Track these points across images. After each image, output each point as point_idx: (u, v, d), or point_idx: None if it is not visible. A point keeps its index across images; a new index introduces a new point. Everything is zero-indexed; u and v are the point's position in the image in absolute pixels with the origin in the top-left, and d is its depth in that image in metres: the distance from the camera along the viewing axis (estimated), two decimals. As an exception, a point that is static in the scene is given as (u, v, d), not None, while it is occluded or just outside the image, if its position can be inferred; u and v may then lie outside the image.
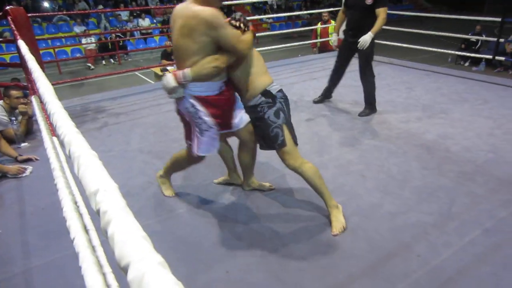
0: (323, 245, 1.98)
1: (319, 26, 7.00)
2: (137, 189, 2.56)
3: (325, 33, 6.92)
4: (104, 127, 3.73)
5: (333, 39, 4.06)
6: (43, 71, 1.58)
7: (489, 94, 4.28)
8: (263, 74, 2.08)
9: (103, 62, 11.49)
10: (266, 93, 2.05)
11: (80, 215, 1.14)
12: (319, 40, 7.09)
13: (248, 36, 1.96)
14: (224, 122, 2.05)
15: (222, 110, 2.02)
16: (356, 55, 3.74)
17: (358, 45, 3.51)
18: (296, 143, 2.14)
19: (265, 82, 2.06)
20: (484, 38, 8.29)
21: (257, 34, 8.15)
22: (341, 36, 4.01)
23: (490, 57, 5.47)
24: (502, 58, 5.96)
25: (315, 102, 4.19)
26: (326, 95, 4.21)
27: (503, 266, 1.80)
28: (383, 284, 1.72)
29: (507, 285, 1.69)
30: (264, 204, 2.36)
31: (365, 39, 3.47)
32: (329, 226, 2.11)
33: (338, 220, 2.10)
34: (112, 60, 11.51)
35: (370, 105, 3.82)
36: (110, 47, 11.34)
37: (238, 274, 1.81)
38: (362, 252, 1.92)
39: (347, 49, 3.83)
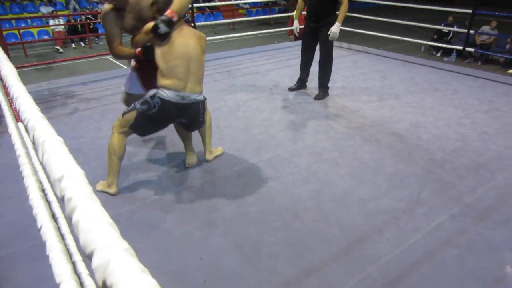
0: (295, 231, 2.01)
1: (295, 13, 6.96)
2: (109, 176, 2.50)
3: (301, 20, 6.88)
4: (74, 113, 3.61)
5: (295, 25, 4.09)
6: (7, 53, 1.50)
7: (459, 84, 4.41)
8: (169, 78, 2.15)
9: (73, 45, 11.04)
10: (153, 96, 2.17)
11: (48, 202, 1.10)
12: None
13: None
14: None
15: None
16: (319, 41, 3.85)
17: (329, 37, 3.65)
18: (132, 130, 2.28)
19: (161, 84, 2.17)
20: (455, 29, 8.49)
21: (234, 20, 8.06)
22: (296, 24, 4.06)
23: (461, 48, 5.62)
24: (472, 50, 6.14)
25: (291, 89, 4.20)
26: (300, 85, 4.23)
27: (468, 250, 1.88)
28: (354, 268, 1.76)
29: (471, 267, 1.77)
30: (237, 190, 2.36)
31: (335, 31, 3.61)
32: (303, 213, 2.14)
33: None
34: (82, 44, 11.09)
35: (325, 88, 3.98)
36: (80, 29, 10.89)
37: (212, 260, 1.81)
38: (334, 237, 1.96)
39: (310, 37, 3.89)
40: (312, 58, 4.05)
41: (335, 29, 3.59)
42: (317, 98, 3.92)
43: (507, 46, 9.03)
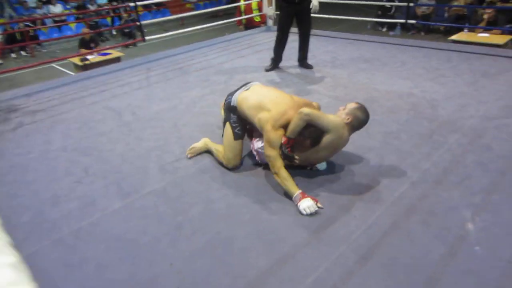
0: (265, 221, 1.99)
1: (242, 2, 6.90)
2: (65, 191, 2.37)
3: (248, 9, 6.84)
4: (19, 127, 3.38)
5: (270, 13, 4.21)
6: None
7: (406, 56, 4.55)
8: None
9: (13, 55, 10.36)
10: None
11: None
12: (244, 17, 7.00)
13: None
14: None
15: None
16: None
17: (312, 11, 4.07)
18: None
19: None
20: (396, 3, 8.76)
21: (182, 15, 7.88)
22: (266, 10, 4.14)
23: (403, 21, 5.80)
24: (414, 22, 6.37)
25: (267, 70, 4.38)
26: (275, 65, 4.43)
27: (430, 214, 1.94)
28: (327, 249, 1.77)
29: (435, 230, 1.83)
30: (202, 188, 2.31)
31: (316, 5, 4.06)
32: (271, 203, 2.13)
33: None
34: (23, 53, 10.42)
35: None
36: (19, 38, 10.21)
37: (183, 265, 1.76)
38: (304, 221, 1.96)
39: (289, 17, 4.11)
40: (287, 39, 4.29)
41: (316, 2, 4.04)
42: (310, 66, 4.34)
43: (445, 14, 9.45)
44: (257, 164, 2.50)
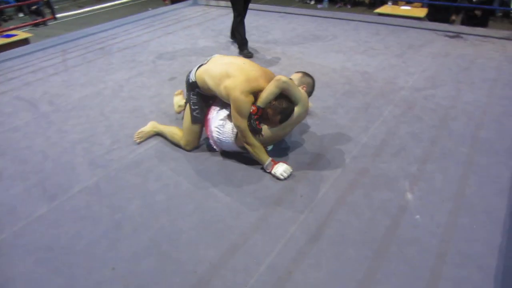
0: (210, 210, 1.90)
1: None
2: (-24, 200, 2.05)
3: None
4: None
5: None
6: None
7: (336, 29, 4.62)
8: None
9: None
10: None
11: None
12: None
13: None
14: None
15: None
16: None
17: None
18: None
19: None
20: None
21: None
22: None
23: (330, -7, 5.87)
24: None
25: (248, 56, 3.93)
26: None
27: (372, 186, 2.00)
28: (276, 232, 1.74)
29: (378, 203, 1.88)
30: (138, 180, 2.14)
31: None
32: (215, 189, 2.04)
33: None
34: None
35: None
36: None
37: (127, 268, 1.62)
38: (250, 206, 1.91)
39: None
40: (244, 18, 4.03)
41: None
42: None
43: (368, -13, 9.79)
44: (196, 149, 2.38)
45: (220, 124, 2.17)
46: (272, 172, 2.08)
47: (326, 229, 1.74)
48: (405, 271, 1.51)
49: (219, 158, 2.29)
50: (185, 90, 2.47)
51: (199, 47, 4.22)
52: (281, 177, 2.04)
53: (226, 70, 2.09)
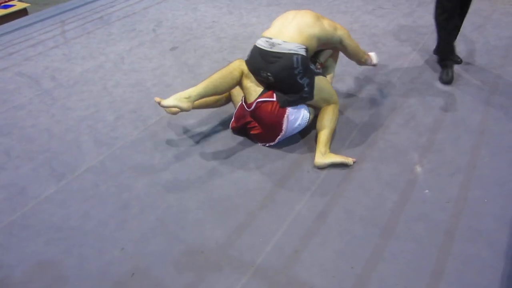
0: (217, 188, 1.89)
1: None
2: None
3: None
4: None
5: None
6: None
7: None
8: None
9: None
10: None
11: None
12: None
13: None
14: None
15: None
16: None
17: None
18: None
19: None
20: None
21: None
22: None
23: None
24: None
25: None
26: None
27: (379, 160, 1.96)
28: (283, 211, 1.73)
29: (386, 177, 1.85)
30: (145, 159, 2.13)
31: None
32: (221, 167, 2.02)
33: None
34: None
35: None
36: None
37: (135, 248, 1.64)
38: (256, 185, 1.89)
39: None
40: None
41: None
42: None
43: None
44: (199, 125, 2.34)
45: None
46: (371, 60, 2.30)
47: (333, 206, 1.73)
48: (413, 248, 1.50)
49: (225, 134, 2.26)
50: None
51: (200, 13, 4.05)
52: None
53: (316, 15, 2.05)
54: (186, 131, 2.32)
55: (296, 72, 1.87)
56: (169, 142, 2.23)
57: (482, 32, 3.13)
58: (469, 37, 3.07)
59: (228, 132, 2.26)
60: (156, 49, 3.38)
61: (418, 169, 1.87)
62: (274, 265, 1.51)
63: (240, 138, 2.21)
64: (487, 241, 1.50)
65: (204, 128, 2.32)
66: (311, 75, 1.95)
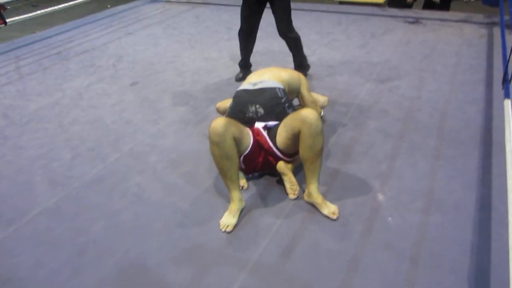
0: (178, 227, 1.82)
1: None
2: None
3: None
4: None
5: None
6: None
7: (299, 22, 4.51)
8: None
9: None
10: None
11: None
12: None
13: None
14: None
15: None
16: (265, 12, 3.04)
17: None
18: None
19: None
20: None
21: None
22: None
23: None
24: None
25: (238, 80, 3.20)
26: (245, 67, 3.24)
27: (343, 190, 1.96)
28: (249, 247, 1.68)
29: (349, 207, 1.85)
30: (102, 198, 2.03)
31: None
32: (182, 204, 1.96)
33: None
34: None
35: (304, 66, 3.14)
36: None
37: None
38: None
39: (254, 4, 2.93)
40: (256, 33, 3.14)
41: None
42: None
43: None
44: (160, 161, 2.27)
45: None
46: None
47: (299, 240, 1.70)
48: (380, 281, 1.48)
49: (186, 168, 2.21)
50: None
51: (161, 48, 4.07)
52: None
53: (278, 69, 2.29)
54: (147, 168, 2.24)
55: (282, 101, 2.02)
56: (129, 180, 2.15)
57: (430, 61, 3.33)
58: (419, 66, 3.25)
59: (190, 168, 2.21)
60: (116, 84, 3.32)
61: (380, 197, 1.90)
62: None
63: (203, 169, 2.16)
64: (449, 267, 1.51)
65: (166, 165, 2.26)
66: (295, 108, 2.12)
